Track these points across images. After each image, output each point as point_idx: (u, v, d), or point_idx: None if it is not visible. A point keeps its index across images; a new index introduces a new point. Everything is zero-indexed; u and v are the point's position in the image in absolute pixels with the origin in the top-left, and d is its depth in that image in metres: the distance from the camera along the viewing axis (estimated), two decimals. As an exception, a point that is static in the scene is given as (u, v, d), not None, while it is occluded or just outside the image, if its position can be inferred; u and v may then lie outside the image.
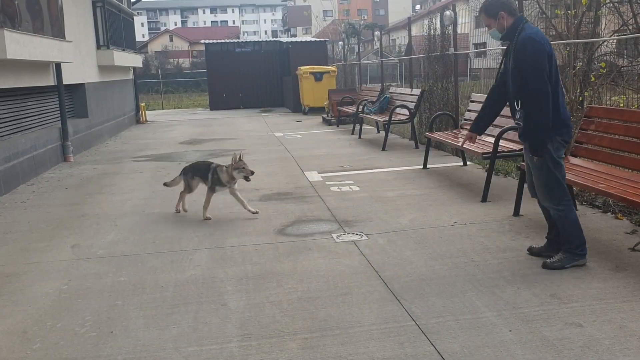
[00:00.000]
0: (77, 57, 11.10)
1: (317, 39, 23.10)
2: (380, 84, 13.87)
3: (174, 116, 20.27)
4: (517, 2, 4.13)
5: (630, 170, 4.65)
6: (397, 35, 57.83)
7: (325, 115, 15.52)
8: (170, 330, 3.39)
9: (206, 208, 5.83)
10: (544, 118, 3.82)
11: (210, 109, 21.76)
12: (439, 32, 9.72)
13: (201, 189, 6.04)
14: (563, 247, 4.08)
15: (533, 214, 5.40)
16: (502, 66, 4.25)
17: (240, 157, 5.72)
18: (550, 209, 4.07)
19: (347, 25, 41.02)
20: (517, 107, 4.00)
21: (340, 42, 21.13)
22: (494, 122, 6.91)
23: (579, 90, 6.79)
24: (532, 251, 4.37)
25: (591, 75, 6.59)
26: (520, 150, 5.99)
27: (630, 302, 3.48)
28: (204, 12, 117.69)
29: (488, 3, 4.06)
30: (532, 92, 3.82)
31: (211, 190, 5.80)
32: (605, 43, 7.18)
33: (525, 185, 5.81)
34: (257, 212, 5.80)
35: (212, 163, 5.97)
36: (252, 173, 5.72)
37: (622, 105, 6.41)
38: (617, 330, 3.13)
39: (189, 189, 6.04)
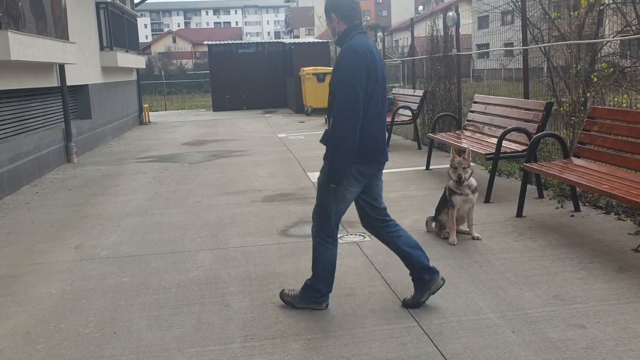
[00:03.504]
0: (80, 58, 11.12)
1: (320, 40, 23.09)
2: (383, 85, 13.84)
3: (176, 117, 20.30)
4: (353, 9, 3.46)
5: (633, 171, 4.65)
6: (400, 36, 57.89)
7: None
8: (173, 331, 3.40)
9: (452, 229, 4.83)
10: (344, 140, 3.22)
11: (213, 110, 21.79)
12: (442, 33, 9.72)
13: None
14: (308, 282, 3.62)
15: (536, 215, 5.40)
16: None
17: (461, 153, 4.76)
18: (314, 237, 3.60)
19: (349, 26, 40.94)
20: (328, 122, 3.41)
21: (343, 43, 21.10)
22: (495, 123, 6.98)
23: (581, 91, 6.79)
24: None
25: (593, 76, 6.59)
26: (524, 151, 5.97)
27: (634, 303, 3.47)
28: (207, 14, 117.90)
29: (326, 1, 3.53)
30: (339, 106, 3.25)
31: (451, 206, 4.79)
32: (608, 44, 7.18)
33: (528, 187, 5.84)
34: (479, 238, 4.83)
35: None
36: (461, 177, 4.66)
37: (625, 105, 6.40)
38: (620, 332, 3.13)
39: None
